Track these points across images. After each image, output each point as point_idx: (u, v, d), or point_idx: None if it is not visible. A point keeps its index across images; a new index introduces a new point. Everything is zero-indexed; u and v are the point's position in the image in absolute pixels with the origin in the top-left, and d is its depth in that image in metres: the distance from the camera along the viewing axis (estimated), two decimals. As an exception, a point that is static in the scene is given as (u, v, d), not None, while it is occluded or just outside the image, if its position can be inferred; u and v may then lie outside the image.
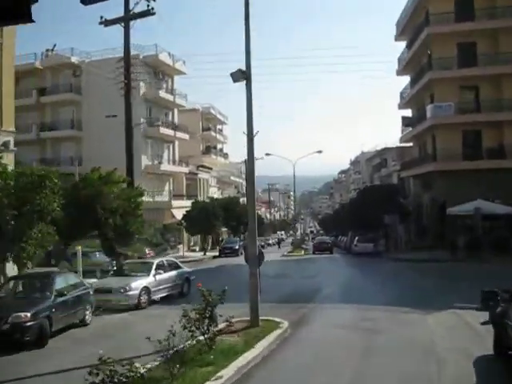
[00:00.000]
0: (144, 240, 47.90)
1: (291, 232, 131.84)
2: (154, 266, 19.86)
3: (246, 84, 13.69)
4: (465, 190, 38.60)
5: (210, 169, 68.79)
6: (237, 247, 48.61)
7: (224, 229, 64.42)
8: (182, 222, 47.76)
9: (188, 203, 51.24)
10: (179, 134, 54.51)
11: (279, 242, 71.57)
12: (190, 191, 58.45)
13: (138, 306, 18.20)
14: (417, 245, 44.31)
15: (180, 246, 54.02)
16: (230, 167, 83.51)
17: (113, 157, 50.53)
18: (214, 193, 69.24)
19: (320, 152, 53.72)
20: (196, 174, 61.65)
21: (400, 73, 53.81)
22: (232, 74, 13.52)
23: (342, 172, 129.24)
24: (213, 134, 76.63)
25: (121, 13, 25.90)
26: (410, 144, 55.65)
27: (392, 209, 44.57)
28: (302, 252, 50.62)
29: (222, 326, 13.05)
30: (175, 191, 55.42)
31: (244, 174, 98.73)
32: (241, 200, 75.57)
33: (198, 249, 58.01)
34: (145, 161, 50.39)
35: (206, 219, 46.49)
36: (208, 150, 75.84)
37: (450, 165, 41.19)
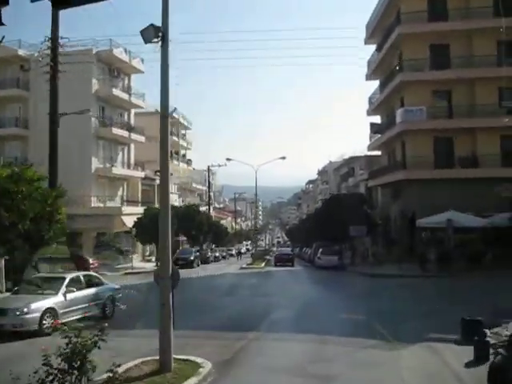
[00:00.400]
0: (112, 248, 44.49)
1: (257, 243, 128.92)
2: (65, 283, 16.07)
3: (162, 45, 10.17)
4: (436, 200, 35.89)
5: (170, 175, 64.87)
6: (192, 258, 44.85)
7: (183, 238, 60.57)
8: (132, 229, 43.76)
9: (142, 210, 47.29)
10: (135, 136, 50.61)
11: (239, 253, 67.90)
12: (147, 197, 54.48)
13: (40, 332, 14.45)
14: (384, 258, 41.24)
15: (134, 256, 50.07)
16: (193, 174, 79.66)
17: (62, 158, 46.55)
18: (175, 200, 65.25)
19: (283, 158, 50.42)
20: (153, 179, 57.63)
21: (369, 77, 51.02)
22: (143, 32, 10.00)
23: (310, 182, 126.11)
24: (175, 138, 72.76)
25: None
26: (379, 152, 52.83)
27: (358, 220, 41.41)
28: (263, 264, 46.99)
29: (126, 367, 9.60)
30: (130, 197, 51.49)
31: (204, 180, 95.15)
32: (203, 208, 71.92)
33: (154, 259, 54.01)
34: (95, 163, 46.42)
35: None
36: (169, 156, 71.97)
37: (420, 173, 38.33)
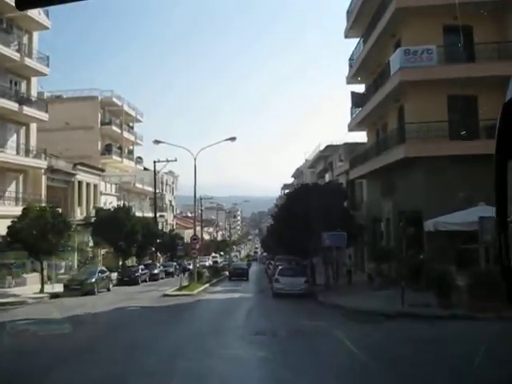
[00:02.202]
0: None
1: (228, 255, 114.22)
2: None
3: None
4: (452, 189, 21.84)
5: (101, 170, 50.14)
6: (92, 280, 29.95)
7: (110, 250, 45.88)
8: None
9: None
10: (30, 111, 35.70)
11: (184, 270, 52.15)
12: (58, 197, 39.62)
13: None
14: (376, 281, 26.91)
15: (29, 276, 35.29)
16: (142, 174, 64.71)
17: None
18: (110, 202, 50.42)
19: (233, 139, 35.64)
20: (72, 174, 42.92)
21: (349, 33, 36.68)
22: None
23: (286, 187, 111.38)
24: (115, 129, 58.19)
25: None
26: (363, 134, 38.67)
27: (335, 223, 27.08)
28: (200, 288, 31.41)
29: None
30: (29, 195, 36.46)
31: (166, 185, 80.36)
32: (148, 215, 57.36)
33: (70, 276, 38.98)
34: (-37, 145, 31.69)
35: (42, 236, 27.86)
36: (108, 150, 57.29)
37: (427, 148, 24.11)
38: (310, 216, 26.97)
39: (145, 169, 67.52)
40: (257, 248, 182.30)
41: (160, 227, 72.45)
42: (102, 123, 56.71)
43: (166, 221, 77.51)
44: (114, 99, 57.86)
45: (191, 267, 62.51)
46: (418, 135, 24.31)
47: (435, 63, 24.10)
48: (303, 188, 33.03)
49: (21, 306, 24.48)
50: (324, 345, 13.60)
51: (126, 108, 60.83)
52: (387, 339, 14.38)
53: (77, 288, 28.45)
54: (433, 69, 24.00)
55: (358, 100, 35.04)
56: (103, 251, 47.96)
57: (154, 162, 55.75)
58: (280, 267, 28.74)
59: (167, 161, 54.30)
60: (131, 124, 64.92)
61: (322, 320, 18.05)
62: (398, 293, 19.63)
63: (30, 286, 33.65)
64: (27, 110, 35.28)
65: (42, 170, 37.75)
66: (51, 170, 38.72)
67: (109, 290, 32.05)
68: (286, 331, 15.48)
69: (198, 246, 34.24)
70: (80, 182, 44.76)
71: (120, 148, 59.76)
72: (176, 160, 53.87)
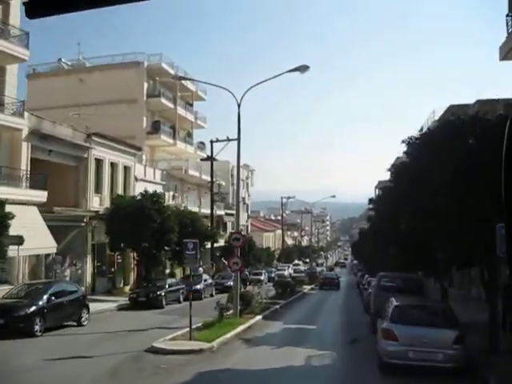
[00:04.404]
0: None
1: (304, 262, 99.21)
2: None
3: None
4: None
5: (137, 149, 36.88)
6: (30, 310, 15.89)
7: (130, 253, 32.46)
8: None
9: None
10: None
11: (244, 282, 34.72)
12: (51, 175, 26.63)
13: None
14: None
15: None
16: (202, 163, 50.83)
17: None
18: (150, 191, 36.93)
19: (305, 69, 20.49)
20: (85, 147, 29.88)
21: None
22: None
23: (381, 186, 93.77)
24: (166, 102, 45.00)
25: None
26: None
27: None
28: (228, 334, 15.41)
29: None
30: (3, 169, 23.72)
31: (232, 176, 66.49)
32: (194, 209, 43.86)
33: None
34: None
35: None
36: (156, 128, 44.21)
37: None
38: (459, 187, 11.78)
39: (208, 157, 53.67)
40: (347, 255, 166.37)
41: (230, 228, 58.96)
42: (149, 96, 43.81)
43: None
44: (164, 65, 44.64)
45: (263, 277, 47.92)
46: None
47: None
48: (452, 124, 15.51)
49: None
50: None
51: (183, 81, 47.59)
52: None
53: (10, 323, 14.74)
54: None
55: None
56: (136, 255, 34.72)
57: (211, 141, 42.13)
58: (395, 303, 12.49)
59: (228, 139, 40.08)
60: (190, 102, 51.66)
61: None
62: None
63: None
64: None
65: (23, 134, 24.76)
66: (39, 135, 25.67)
67: (80, 323, 17.99)
68: None
69: (238, 253, 19.43)
70: (100, 161, 31.71)
71: (173, 128, 46.57)
72: (239, 138, 39.55)
